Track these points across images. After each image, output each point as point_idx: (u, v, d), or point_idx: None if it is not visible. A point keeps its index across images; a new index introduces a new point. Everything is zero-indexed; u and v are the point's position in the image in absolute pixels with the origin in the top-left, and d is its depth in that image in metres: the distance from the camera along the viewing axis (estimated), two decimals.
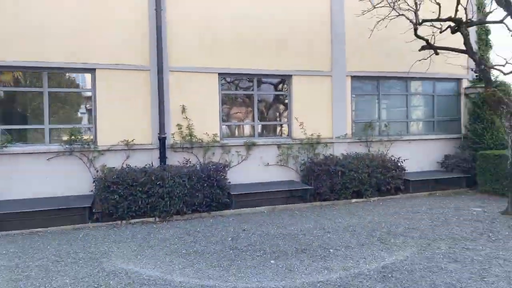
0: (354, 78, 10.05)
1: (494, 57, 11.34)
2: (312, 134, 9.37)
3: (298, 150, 9.26)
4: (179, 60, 8.50)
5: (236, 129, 9.62)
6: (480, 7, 10.47)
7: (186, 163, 8.08)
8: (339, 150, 9.60)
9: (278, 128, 9.79)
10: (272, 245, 5.53)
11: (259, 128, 9.52)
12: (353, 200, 8.64)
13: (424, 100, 11.04)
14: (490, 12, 7.88)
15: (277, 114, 9.91)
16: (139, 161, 8.04)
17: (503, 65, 8.32)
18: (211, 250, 5.38)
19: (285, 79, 9.53)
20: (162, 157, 8.11)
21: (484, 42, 10.85)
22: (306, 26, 9.46)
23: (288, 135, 9.54)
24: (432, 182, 9.59)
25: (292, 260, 4.92)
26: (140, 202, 7.11)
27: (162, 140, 8.13)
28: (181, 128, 8.41)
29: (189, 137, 8.37)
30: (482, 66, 7.22)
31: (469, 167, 9.89)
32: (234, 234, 6.17)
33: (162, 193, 7.16)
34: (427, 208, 7.77)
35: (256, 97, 9.28)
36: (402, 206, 8.01)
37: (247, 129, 9.59)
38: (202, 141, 8.46)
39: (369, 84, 10.38)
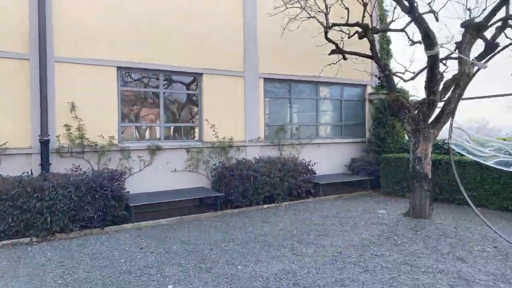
0: (266, 80, 9.80)
1: (394, 65, 12.07)
2: (224, 137, 8.83)
3: (209, 154, 8.63)
4: (68, 50, 7.26)
5: (141, 131, 8.64)
6: (382, 17, 11.08)
7: (76, 171, 6.87)
8: (252, 154, 9.23)
9: (190, 131, 9.04)
10: (173, 265, 4.80)
11: (165, 131, 8.67)
12: (265, 206, 8.30)
13: (332, 105, 11.28)
14: (393, 21, 8.22)
15: (190, 115, 9.16)
16: (14, 168, 6.62)
17: (403, 73, 8.82)
18: (96, 277, 4.45)
19: (196, 77, 8.84)
20: (44, 164, 6.79)
21: (385, 51, 11.51)
22: (218, 23, 8.90)
23: (198, 138, 8.85)
24: (341, 185, 9.77)
25: (194, 283, 4.25)
26: (10, 219, 5.80)
27: (44, 144, 6.81)
28: (69, 129, 7.17)
29: (80, 140, 7.18)
30: (387, 72, 7.44)
31: (373, 169, 10.32)
32: (129, 254, 5.28)
33: (41, 207, 5.92)
34: (337, 212, 7.75)
35: (163, 95, 8.42)
36: (313, 211, 7.89)
37: (153, 132, 8.67)
38: (96, 144, 7.32)
39: (281, 87, 10.23)
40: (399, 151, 10.14)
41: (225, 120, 8.98)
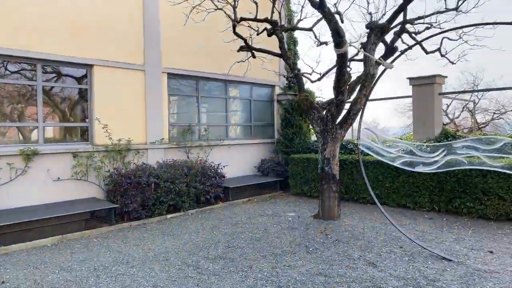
0: (171, 75, 8.95)
1: (301, 66, 12.20)
2: (120, 140, 7.73)
3: (101, 159, 7.45)
4: None
5: (25, 133, 7.06)
6: (290, 18, 11.06)
7: None
8: (154, 158, 8.29)
9: (83, 133, 7.71)
10: None
11: (46, 132, 7.26)
12: (169, 216, 7.47)
13: (242, 105, 10.90)
14: (300, 20, 8.10)
15: (82, 114, 7.79)
16: None
17: (310, 73, 8.81)
18: None
19: (86, 69, 7.57)
20: None
21: (292, 52, 11.52)
22: (113, 9, 7.77)
23: (88, 141, 7.60)
24: (250, 187, 9.39)
25: None
26: None
27: None
28: None
29: None
30: (296, 71, 7.24)
31: (282, 170, 10.21)
32: None
33: None
34: (247, 217, 7.31)
35: (41, 89, 7.00)
36: (222, 218, 7.32)
37: (30, 133, 7.17)
38: None
39: (188, 84, 9.47)
40: (306, 151, 10.18)
41: (122, 120, 7.89)
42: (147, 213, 7.19)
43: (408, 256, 4.92)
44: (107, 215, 6.85)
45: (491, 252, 4.94)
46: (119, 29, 7.89)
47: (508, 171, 4.31)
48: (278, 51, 7.57)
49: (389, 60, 6.41)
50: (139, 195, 7.06)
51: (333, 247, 5.36)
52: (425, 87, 8.52)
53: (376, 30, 5.97)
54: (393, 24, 6.74)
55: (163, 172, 7.45)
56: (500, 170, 4.36)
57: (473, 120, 14.52)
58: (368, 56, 6.13)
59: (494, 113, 24.74)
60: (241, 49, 7.88)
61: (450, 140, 8.01)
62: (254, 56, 8.14)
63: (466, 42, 7.51)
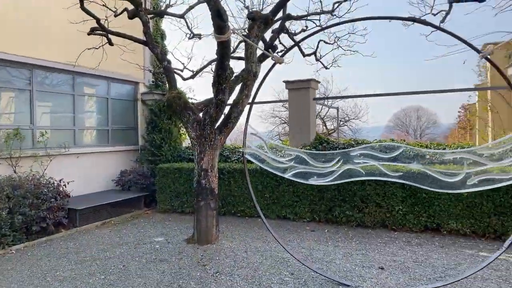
0: None
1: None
2: None
3: None
4: None
5: None
6: (156, 7, 9.62)
7: None
8: None
9: None
10: None
11: None
12: None
13: (97, 104, 8.92)
14: (169, 5, 6.86)
15: None
16: None
17: (181, 70, 7.65)
18: None
19: None
20: None
21: (160, 46, 10.07)
22: None
23: None
24: (106, 207, 7.53)
25: None
26: None
27: None
28: None
29: None
30: (165, 63, 5.92)
31: (148, 183, 8.67)
32: None
33: None
34: (99, 249, 5.60)
35: None
36: (63, 253, 5.45)
37: None
38: None
39: (18, 75, 7.12)
40: (177, 160, 8.87)
41: None
42: None
43: (302, 285, 4.17)
44: None
45: (382, 268, 4.60)
46: None
47: (405, 182, 3.97)
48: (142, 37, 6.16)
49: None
50: None
51: (214, 284, 4.25)
52: (301, 91, 8.25)
53: (259, 22, 5.18)
54: (274, 20, 6.13)
55: None
56: (398, 180, 3.99)
57: (333, 126, 15.63)
58: (250, 52, 5.29)
59: (340, 120, 27.99)
60: (92, 31, 6.16)
61: (324, 145, 7.88)
62: (111, 43, 6.53)
63: (340, 47, 7.49)
